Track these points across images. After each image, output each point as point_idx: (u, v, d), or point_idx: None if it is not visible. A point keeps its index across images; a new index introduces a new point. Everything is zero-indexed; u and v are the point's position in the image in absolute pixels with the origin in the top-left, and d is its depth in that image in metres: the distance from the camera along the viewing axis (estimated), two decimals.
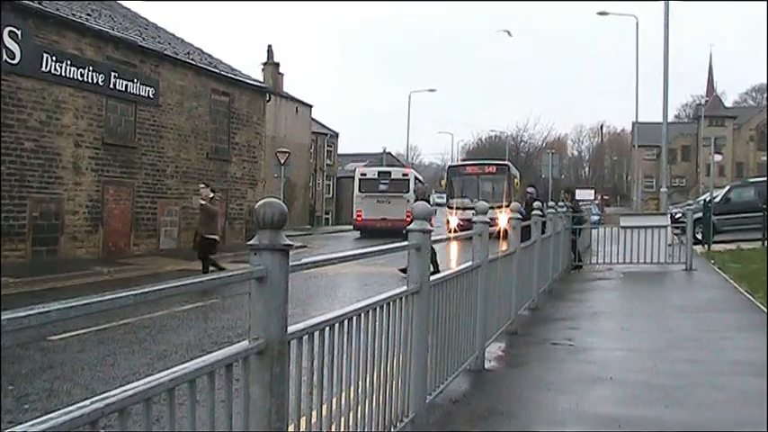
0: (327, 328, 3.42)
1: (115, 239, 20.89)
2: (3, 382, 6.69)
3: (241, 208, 27.27)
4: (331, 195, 60.47)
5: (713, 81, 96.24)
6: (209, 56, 27.45)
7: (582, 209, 20.14)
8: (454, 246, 21.52)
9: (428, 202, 17.12)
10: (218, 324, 10.30)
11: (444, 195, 35.93)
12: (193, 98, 24.53)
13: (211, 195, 15.73)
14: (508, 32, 64.10)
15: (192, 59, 24.85)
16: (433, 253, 15.13)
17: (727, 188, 27.66)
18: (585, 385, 6.37)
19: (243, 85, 27.80)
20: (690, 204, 27.63)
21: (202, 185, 16.39)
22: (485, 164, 36.43)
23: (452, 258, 18.78)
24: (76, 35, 19.30)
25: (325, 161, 58.63)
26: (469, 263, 6.42)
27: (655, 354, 7.61)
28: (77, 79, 19.25)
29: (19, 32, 17.31)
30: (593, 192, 70.30)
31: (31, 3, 17.76)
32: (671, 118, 58.33)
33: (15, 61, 17.25)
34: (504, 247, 8.54)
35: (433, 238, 5.05)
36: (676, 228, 19.31)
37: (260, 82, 32.62)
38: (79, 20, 19.49)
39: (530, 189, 18.34)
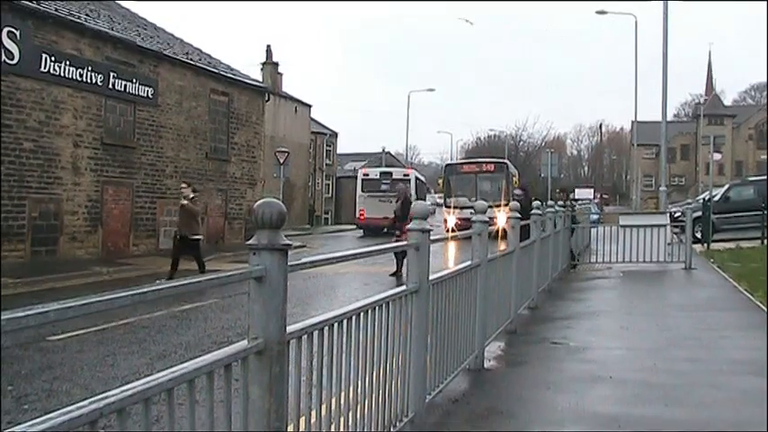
0: (326, 328, 3.42)
1: (114, 240, 20.89)
2: (2, 382, 6.68)
3: (240, 208, 27.26)
4: (330, 195, 60.48)
5: (712, 80, 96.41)
6: (209, 56, 27.44)
7: (576, 208, 20.09)
8: (452, 245, 21.50)
9: (409, 202, 17.07)
10: (218, 324, 10.30)
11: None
12: (192, 98, 24.53)
13: (192, 195, 15.36)
14: (469, 21, 64.13)
15: (191, 59, 24.85)
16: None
17: (727, 187, 27.67)
18: (585, 384, 6.37)
19: (242, 85, 27.80)
20: (689, 203, 27.65)
21: (184, 185, 15.99)
22: (482, 162, 36.33)
23: (450, 258, 18.76)
24: (75, 35, 19.30)
25: (325, 161, 58.64)
26: (468, 262, 6.42)
27: (654, 353, 7.60)
28: (76, 79, 19.25)
29: (18, 33, 17.31)
30: (592, 191, 70.34)
31: (30, 3, 17.75)
32: (670, 117, 58.38)
33: (14, 61, 17.25)
34: (502, 246, 8.54)
35: (431, 238, 5.04)
36: (676, 227, 19.29)
37: (259, 82, 32.63)
38: (78, 20, 19.49)
39: (517, 191, 18.02)
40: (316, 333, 3.29)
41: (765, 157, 74.58)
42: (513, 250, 8.64)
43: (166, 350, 8.45)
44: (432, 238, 5.02)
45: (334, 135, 61.66)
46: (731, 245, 20.06)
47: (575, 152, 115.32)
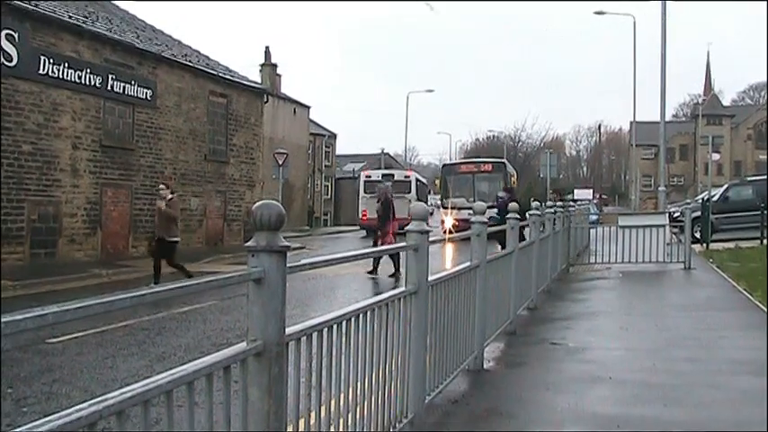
0: (326, 330, 3.43)
1: (114, 242, 20.89)
2: (2, 384, 6.68)
3: (239, 209, 27.26)
4: (329, 196, 60.46)
5: (711, 80, 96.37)
6: (207, 57, 27.46)
7: (570, 209, 20.06)
8: (450, 246, 21.48)
9: (390, 204, 17.01)
10: (217, 326, 10.30)
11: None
12: (191, 100, 24.53)
13: (170, 197, 14.97)
14: (430, 6, 64.31)
15: (190, 61, 24.86)
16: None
17: (726, 187, 27.67)
18: (584, 385, 6.37)
19: (240, 87, 27.80)
20: (688, 203, 27.65)
21: (162, 186, 15.52)
22: (480, 162, 36.11)
23: (448, 260, 18.74)
24: (74, 37, 19.30)
25: (324, 162, 58.62)
26: (467, 263, 6.42)
27: (654, 353, 7.61)
28: (75, 81, 19.25)
29: (16, 35, 17.31)
30: (591, 191, 70.40)
31: (29, 5, 17.76)
32: (669, 117, 58.42)
33: (13, 64, 17.24)
34: (500, 247, 8.54)
35: (431, 239, 5.04)
36: (675, 227, 19.30)
37: (257, 83, 32.64)
38: (76, 22, 19.49)
39: (501, 193, 17.80)
40: (315, 335, 3.30)
41: (764, 156, 74.62)
42: (513, 251, 8.65)
43: (166, 352, 8.45)
44: (431, 239, 5.02)
45: (333, 136, 61.67)
46: (730, 245, 20.06)
47: (573, 153, 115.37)
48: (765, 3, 53.91)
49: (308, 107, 51.41)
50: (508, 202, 16.10)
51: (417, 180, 39.71)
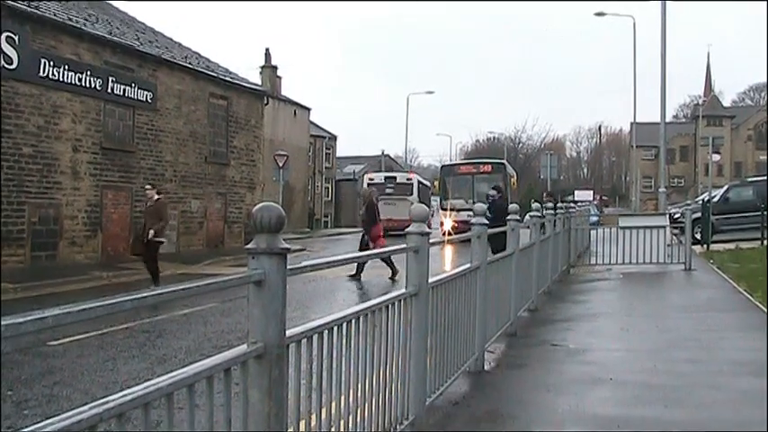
0: (326, 332, 3.43)
1: (114, 244, 20.89)
2: (2, 387, 6.68)
3: (240, 211, 27.27)
4: (330, 198, 60.47)
5: (711, 81, 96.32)
6: (207, 59, 27.48)
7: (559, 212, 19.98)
8: (449, 248, 21.46)
9: (374, 208, 16.88)
10: (218, 328, 10.30)
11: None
12: (191, 102, 24.55)
13: (156, 197, 14.96)
14: None
15: (190, 63, 24.89)
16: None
17: (726, 188, 27.67)
18: (585, 386, 6.37)
19: (241, 89, 27.82)
20: (688, 204, 27.64)
21: (148, 186, 15.53)
22: (480, 163, 35.91)
23: (447, 261, 18.70)
24: (74, 40, 19.32)
25: (324, 164, 58.64)
26: (468, 265, 6.42)
27: (654, 354, 7.61)
28: (75, 84, 19.27)
29: (16, 37, 17.32)
30: (591, 192, 70.39)
31: (29, 8, 17.77)
32: (669, 118, 58.36)
33: (13, 66, 17.26)
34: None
35: (431, 241, 5.04)
36: (675, 228, 19.31)
37: (258, 85, 32.66)
38: (76, 24, 19.51)
39: (491, 192, 17.64)
40: (315, 337, 3.30)
41: (764, 157, 74.63)
42: (513, 252, 8.65)
43: (167, 354, 8.45)
44: (431, 240, 5.02)
45: (334, 138, 61.67)
46: (731, 246, 20.05)
47: (574, 154, 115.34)
48: (766, 3, 53.93)
49: (309, 109, 51.44)
50: (498, 201, 16.07)
51: (419, 182, 40.20)
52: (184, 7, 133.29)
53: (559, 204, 15.31)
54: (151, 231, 14.48)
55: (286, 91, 49.28)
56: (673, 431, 5.06)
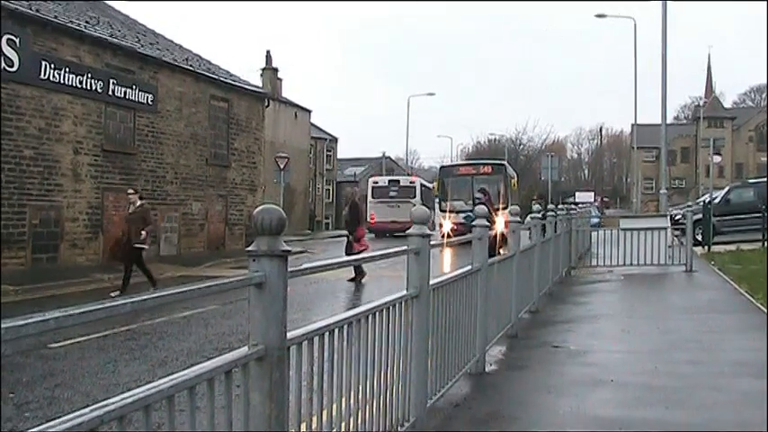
0: (327, 334, 3.43)
1: (115, 246, 20.85)
2: (3, 389, 6.68)
3: (241, 213, 27.28)
4: (331, 200, 60.49)
5: (712, 82, 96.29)
6: (208, 62, 27.50)
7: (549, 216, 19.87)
8: (448, 252, 21.39)
9: (358, 209, 16.86)
10: (219, 330, 10.30)
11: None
12: (192, 104, 24.56)
13: (139, 203, 14.83)
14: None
15: (191, 65, 24.90)
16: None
17: (727, 189, 27.65)
18: (586, 388, 6.37)
19: (241, 91, 27.84)
20: (689, 206, 27.62)
21: (131, 191, 15.31)
22: (479, 164, 35.40)
23: (446, 264, 18.65)
24: (75, 42, 19.33)
25: (325, 166, 58.69)
26: (469, 266, 6.42)
27: (655, 355, 7.61)
28: (76, 86, 19.28)
29: (17, 40, 17.33)
30: (592, 194, 70.39)
31: (30, 10, 17.79)
32: (670, 119, 58.31)
33: (14, 69, 17.27)
34: (501, 251, 8.53)
35: (432, 243, 5.05)
36: (676, 229, 19.30)
37: (259, 87, 32.68)
38: (77, 27, 19.53)
39: (477, 194, 17.56)
40: (316, 339, 3.30)
41: (765, 159, 74.58)
42: (514, 254, 8.65)
43: (168, 357, 8.45)
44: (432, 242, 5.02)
45: (334, 140, 61.72)
46: (732, 247, 20.05)
47: (575, 155, 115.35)
48: (766, 3, 53.93)
49: (310, 111, 51.50)
50: (485, 203, 16.07)
51: (422, 185, 40.60)
52: (185, 9, 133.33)
53: (550, 206, 14.88)
54: (143, 233, 14.43)
55: (287, 93, 49.36)
56: None
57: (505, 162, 38.04)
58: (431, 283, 4.94)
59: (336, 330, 3.54)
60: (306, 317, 9.90)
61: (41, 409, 6.22)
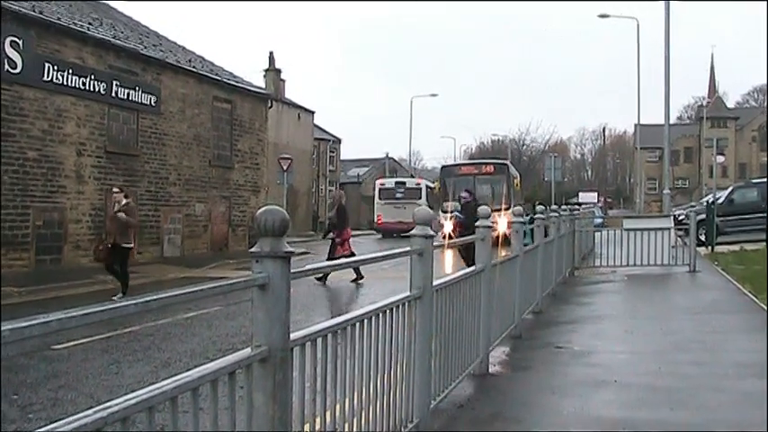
0: (330, 335, 3.43)
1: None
2: (5, 392, 6.69)
3: (244, 215, 27.30)
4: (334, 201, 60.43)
5: (715, 82, 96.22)
6: (211, 63, 27.53)
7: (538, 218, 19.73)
8: (449, 253, 21.32)
9: (344, 211, 16.99)
10: (223, 331, 10.31)
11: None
12: (195, 106, 24.59)
13: (125, 201, 14.56)
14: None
15: (194, 67, 24.93)
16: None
17: (730, 189, 27.61)
18: (590, 388, 6.36)
19: (244, 92, 27.86)
20: (693, 206, 27.61)
21: (116, 190, 15.13)
22: (481, 163, 34.80)
23: (447, 265, 18.60)
24: (78, 44, 19.37)
25: (328, 167, 58.65)
26: (472, 267, 6.42)
27: (659, 356, 7.60)
28: (79, 88, 19.31)
29: (20, 42, 17.37)
30: (596, 194, 70.24)
31: (33, 12, 17.82)
32: (673, 120, 58.29)
33: (17, 71, 17.31)
34: (503, 253, 8.53)
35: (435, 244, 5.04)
36: (680, 229, 19.28)
37: (262, 89, 32.72)
38: (80, 29, 19.57)
39: (463, 194, 17.51)
40: (319, 340, 3.30)
41: (767, 159, 74.47)
42: (517, 255, 8.64)
43: (171, 358, 8.46)
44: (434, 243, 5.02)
45: (338, 141, 61.68)
46: (735, 247, 20.03)
47: (578, 156, 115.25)
48: (766, 3, 53.80)
49: (313, 112, 51.47)
50: (471, 203, 16.04)
51: (428, 187, 41.16)
52: (187, 10, 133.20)
53: (539, 208, 14.42)
54: (130, 245, 14.35)
55: (290, 94, 49.36)
56: None
57: (508, 162, 37.63)
58: (434, 283, 4.94)
59: (339, 331, 3.54)
60: (309, 318, 9.91)
61: (45, 411, 6.22)
